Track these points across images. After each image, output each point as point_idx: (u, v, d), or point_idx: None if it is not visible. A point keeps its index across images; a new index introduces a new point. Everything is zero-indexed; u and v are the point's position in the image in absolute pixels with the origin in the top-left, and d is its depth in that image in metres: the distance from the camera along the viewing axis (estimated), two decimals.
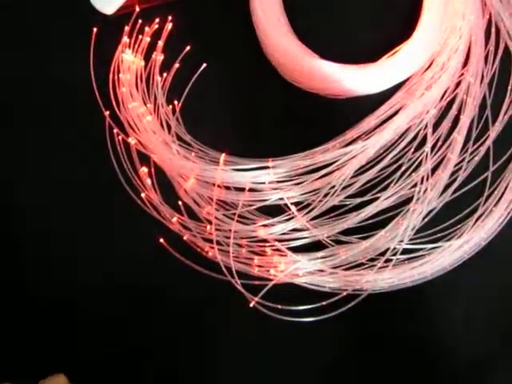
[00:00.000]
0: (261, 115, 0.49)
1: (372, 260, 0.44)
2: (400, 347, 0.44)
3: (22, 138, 0.49)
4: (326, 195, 0.45)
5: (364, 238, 0.44)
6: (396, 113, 0.47)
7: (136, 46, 0.48)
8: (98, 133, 0.46)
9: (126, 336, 0.45)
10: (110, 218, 0.47)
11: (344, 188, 0.45)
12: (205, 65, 0.49)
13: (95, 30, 0.47)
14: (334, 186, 0.45)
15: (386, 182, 0.46)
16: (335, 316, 0.41)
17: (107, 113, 0.46)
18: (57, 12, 0.50)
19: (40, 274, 0.46)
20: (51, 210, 0.47)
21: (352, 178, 0.46)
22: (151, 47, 0.49)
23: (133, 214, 0.45)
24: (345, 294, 0.42)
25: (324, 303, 0.41)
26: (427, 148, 0.46)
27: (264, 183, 0.45)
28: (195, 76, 0.48)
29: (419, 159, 0.46)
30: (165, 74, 0.48)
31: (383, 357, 0.45)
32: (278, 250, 0.44)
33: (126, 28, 0.48)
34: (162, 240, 0.44)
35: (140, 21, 0.48)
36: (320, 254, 0.44)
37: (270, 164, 0.45)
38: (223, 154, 0.45)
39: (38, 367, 0.41)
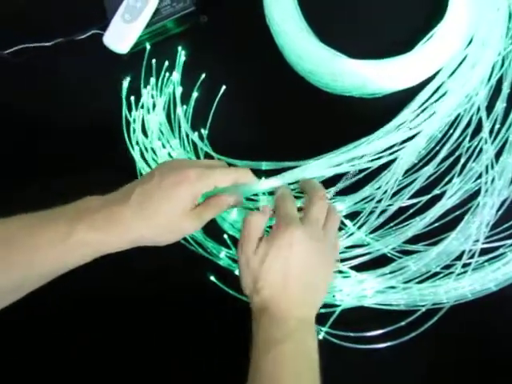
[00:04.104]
0: (293, 129, 0.46)
1: (447, 267, 0.39)
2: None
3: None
4: (379, 201, 0.41)
5: (433, 244, 0.39)
6: (440, 99, 0.43)
7: (155, 81, 0.47)
8: (128, 175, 0.44)
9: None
10: (157, 263, 0.44)
11: (398, 191, 0.41)
12: (224, 87, 0.46)
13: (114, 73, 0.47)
14: (386, 191, 0.41)
15: (447, 178, 0.41)
16: (416, 336, 0.36)
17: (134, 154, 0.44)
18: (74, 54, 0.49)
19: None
20: None
21: (407, 177, 0.41)
22: (168, 80, 0.47)
23: (178, 255, 0.43)
24: (424, 309, 0.37)
25: (403, 323, 0.37)
26: (485, 134, 0.42)
27: None
28: (216, 100, 0.46)
29: (478, 147, 0.41)
30: (185, 106, 0.46)
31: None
32: (339, 271, 0.40)
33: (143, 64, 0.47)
34: (212, 277, 0.41)
35: (153, 57, 0.47)
36: (387, 268, 0.39)
37: None
38: (263, 178, 0.41)
39: None
